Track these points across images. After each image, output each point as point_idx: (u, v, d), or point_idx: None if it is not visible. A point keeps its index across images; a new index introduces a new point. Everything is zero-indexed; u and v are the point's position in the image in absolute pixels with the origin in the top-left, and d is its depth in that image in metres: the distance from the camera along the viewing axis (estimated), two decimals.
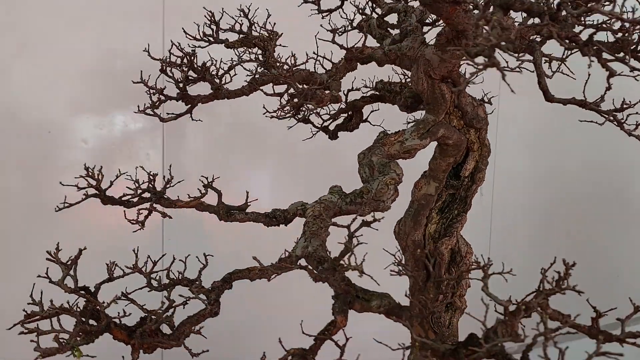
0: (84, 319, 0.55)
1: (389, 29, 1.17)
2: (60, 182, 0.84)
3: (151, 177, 0.87)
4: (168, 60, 0.87)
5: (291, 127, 1.27)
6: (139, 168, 0.90)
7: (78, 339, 0.54)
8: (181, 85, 0.86)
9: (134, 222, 0.82)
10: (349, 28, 1.18)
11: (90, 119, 1.98)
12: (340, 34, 1.17)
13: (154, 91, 0.84)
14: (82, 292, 0.60)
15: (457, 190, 1.08)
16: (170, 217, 0.82)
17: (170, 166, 0.85)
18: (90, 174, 0.88)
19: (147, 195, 0.87)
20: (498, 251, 2.35)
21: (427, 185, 1.08)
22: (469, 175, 1.08)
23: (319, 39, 1.04)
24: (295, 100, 0.90)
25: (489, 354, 0.57)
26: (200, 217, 1.81)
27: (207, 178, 0.83)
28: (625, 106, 0.89)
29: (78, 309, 0.60)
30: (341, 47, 0.98)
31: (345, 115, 1.29)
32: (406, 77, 1.09)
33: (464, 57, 0.93)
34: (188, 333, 0.65)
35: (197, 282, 0.72)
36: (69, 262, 0.60)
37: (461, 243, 1.10)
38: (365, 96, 1.18)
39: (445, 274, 1.07)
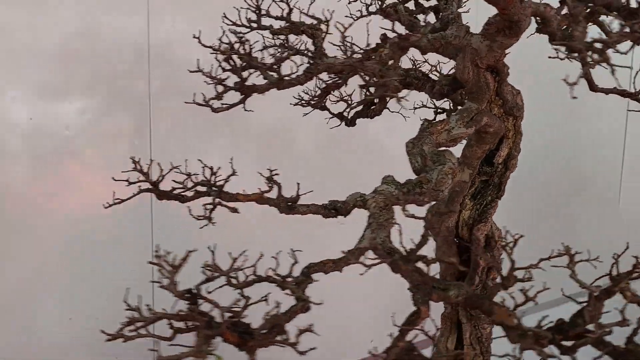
0: (204, 325, 0.53)
1: (416, 15, 1.17)
2: (113, 178, 0.79)
3: (208, 170, 0.83)
4: (224, 48, 0.83)
5: (307, 114, 1.26)
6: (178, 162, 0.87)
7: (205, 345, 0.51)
8: (240, 74, 0.83)
9: (201, 217, 0.78)
10: (374, 11, 1.17)
11: (72, 104, 1.88)
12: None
13: (215, 81, 0.81)
14: (188, 295, 0.58)
15: (490, 176, 1.11)
16: (238, 212, 0.79)
17: (232, 159, 0.82)
18: (139, 167, 0.84)
19: (202, 189, 0.83)
20: None
21: (461, 172, 1.10)
22: (502, 162, 1.10)
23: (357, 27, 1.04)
24: (366, 90, 0.88)
25: (597, 339, 0.59)
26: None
27: (271, 170, 0.81)
28: None
29: (181, 313, 0.58)
30: (399, 35, 0.97)
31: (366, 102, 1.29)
32: (441, 65, 1.10)
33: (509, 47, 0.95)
34: (282, 331, 0.64)
35: (287, 278, 0.70)
36: (175, 265, 0.57)
37: (494, 228, 1.13)
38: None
39: (482, 259, 1.10)
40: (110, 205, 0.80)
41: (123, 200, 0.81)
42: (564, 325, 0.67)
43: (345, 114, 1.32)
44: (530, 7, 0.87)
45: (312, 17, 0.95)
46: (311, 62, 0.83)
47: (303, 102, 1.25)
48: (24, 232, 1.83)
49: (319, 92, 1.05)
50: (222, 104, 0.84)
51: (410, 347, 0.66)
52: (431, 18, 1.21)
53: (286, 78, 0.85)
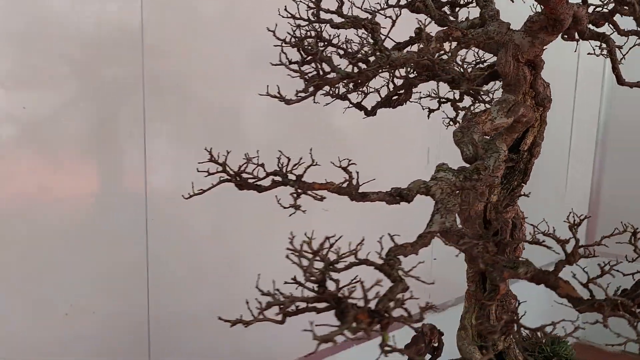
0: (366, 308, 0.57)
1: (445, 9, 1.23)
2: (197, 169, 0.80)
3: (283, 161, 0.86)
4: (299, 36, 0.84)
5: (328, 103, 1.29)
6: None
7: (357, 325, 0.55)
8: (319, 66, 0.85)
9: (291, 206, 0.81)
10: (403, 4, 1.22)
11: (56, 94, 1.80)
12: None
13: (299, 74, 0.82)
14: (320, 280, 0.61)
15: (516, 163, 1.19)
16: (320, 199, 0.82)
17: (311, 150, 0.85)
18: (213, 158, 0.85)
19: (277, 178, 0.86)
20: None
21: None
22: (527, 150, 1.19)
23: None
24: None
25: None
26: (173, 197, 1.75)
27: (349, 160, 0.85)
28: None
29: (316, 296, 0.61)
30: (445, 30, 1.02)
31: (388, 91, 1.33)
32: (477, 57, 1.17)
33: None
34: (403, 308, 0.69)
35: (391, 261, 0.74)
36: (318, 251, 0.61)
37: (518, 211, 1.22)
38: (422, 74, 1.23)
39: (510, 238, 1.19)
40: (191, 196, 0.81)
41: (204, 191, 0.82)
42: (627, 292, 0.76)
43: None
44: (572, 7, 0.95)
45: (366, 10, 0.99)
46: (382, 55, 0.87)
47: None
48: (15, 225, 1.76)
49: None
50: (297, 96, 0.86)
51: None
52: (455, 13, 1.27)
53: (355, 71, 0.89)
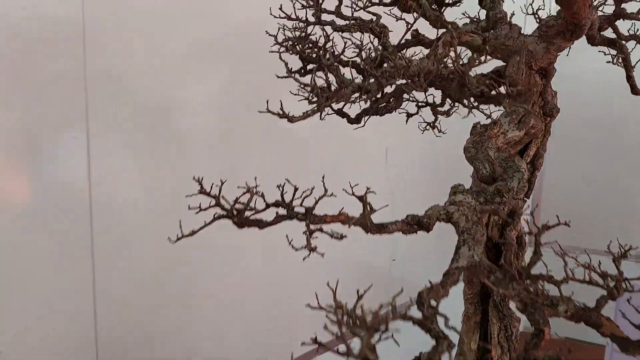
0: None
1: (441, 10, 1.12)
2: (189, 206, 0.65)
3: (283, 189, 0.72)
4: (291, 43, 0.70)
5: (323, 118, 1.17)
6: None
7: None
8: (327, 79, 0.71)
9: (306, 248, 0.67)
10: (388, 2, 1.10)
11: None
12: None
13: (306, 87, 0.68)
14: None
15: None
16: (340, 238, 0.69)
17: (324, 177, 0.71)
18: (204, 190, 0.70)
19: (282, 211, 0.72)
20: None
21: None
22: (530, 162, 1.11)
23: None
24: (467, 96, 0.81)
25: None
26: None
27: (367, 188, 0.72)
28: None
29: None
30: (452, 33, 0.91)
31: (376, 99, 1.22)
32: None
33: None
34: None
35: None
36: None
37: (522, 227, 1.14)
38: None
39: (515, 260, 1.10)
40: (179, 239, 0.66)
41: (195, 232, 0.66)
42: None
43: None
44: (594, 11, 0.87)
45: (371, 12, 0.86)
46: (399, 63, 0.74)
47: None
48: None
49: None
50: (304, 112, 0.72)
51: None
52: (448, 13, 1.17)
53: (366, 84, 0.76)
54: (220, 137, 1.69)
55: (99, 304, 1.59)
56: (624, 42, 1.00)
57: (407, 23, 1.00)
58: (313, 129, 1.86)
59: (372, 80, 0.78)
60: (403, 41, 1.05)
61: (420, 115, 1.44)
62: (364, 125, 1.12)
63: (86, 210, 1.49)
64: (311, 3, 0.84)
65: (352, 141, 2.11)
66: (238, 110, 1.70)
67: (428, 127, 1.46)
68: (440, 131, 1.37)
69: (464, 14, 1.06)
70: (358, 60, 0.79)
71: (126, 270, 1.57)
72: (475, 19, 1.01)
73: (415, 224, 0.80)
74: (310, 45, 0.77)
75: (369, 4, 1.14)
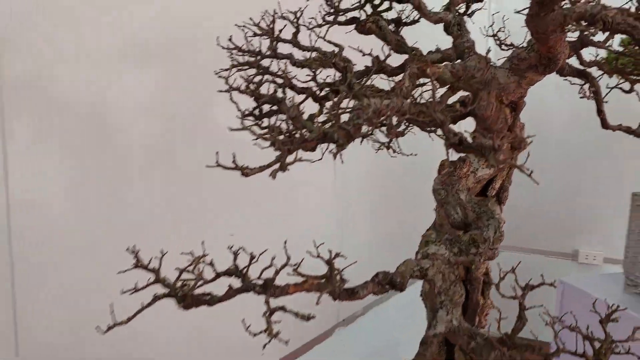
0: None
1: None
2: (122, 290, 0.53)
3: (238, 255, 0.61)
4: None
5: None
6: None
7: None
8: (290, 126, 0.61)
9: (267, 334, 0.56)
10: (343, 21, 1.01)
11: None
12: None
13: (264, 136, 0.56)
14: None
15: None
16: (307, 319, 0.58)
17: (286, 242, 0.61)
18: (141, 264, 0.58)
19: (236, 282, 0.61)
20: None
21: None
22: (495, 195, 1.05)
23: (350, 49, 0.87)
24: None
25: None
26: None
27: (330, 252, 0.62)
28: None
29: None
30: (419, 65, 0.82)
31: None
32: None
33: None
34: None
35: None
36: None
37: (489, 265, 1.09)
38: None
39: (482, 298, 1.04)
40: (109, 329, 0.54)
41: (130, 319, 0.54)
42: None
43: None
44: (567, 45, 0.82)
45: (332, 43, 0.76)
46: (364, 104, 0.65)
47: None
48: None
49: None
50: (260, 166, 0.61)
51: None
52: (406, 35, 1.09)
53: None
54: (154, 140, 1.52)
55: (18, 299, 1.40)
56: (588, 69, 0.96)
57: (365, 53, 0.92)
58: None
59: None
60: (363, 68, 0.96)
61: (374, 134, 1.36)
62: (321, 159, 1.03)
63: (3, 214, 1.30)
64: (266, 29, 0.74)
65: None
66: (173, 113, 1.55)
67: (382, 147, 1.39)
68: (395, 151, 1.31)
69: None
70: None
71: (45, 279, 1.39)
72: (440, 49, 0.94)
73: (387, 284, 0.72)
74: (266, 82, 0.67)
75: (324, 23, 1.05)
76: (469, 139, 0.69)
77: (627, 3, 0.80)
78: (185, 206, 1.56)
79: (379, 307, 2.43)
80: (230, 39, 0.70)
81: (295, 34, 0.78)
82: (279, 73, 0.91)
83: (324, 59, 0.75)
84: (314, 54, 0.76)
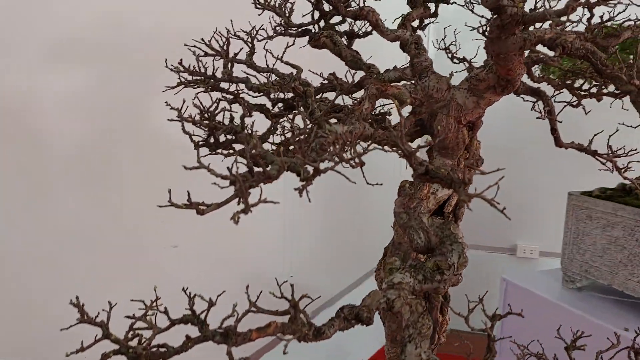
0: None
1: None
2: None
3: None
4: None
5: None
6: None
7: None
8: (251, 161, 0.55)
9: None
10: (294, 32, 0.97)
11: None
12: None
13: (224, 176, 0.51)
14: None
15: None
16: None
17: (248, 287, 0.56)
18: (87, 318, 0.51)
19: (193, 331, 0.56)
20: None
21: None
22: (451, 211, 1.05)
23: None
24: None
25: None
26: None
27: (286, 281, 0.58)
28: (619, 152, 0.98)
29: None
30: (379, 85, 0.79)
31: None
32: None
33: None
34: None
35: None
36: None
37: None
38: None
39: (440, 315, 1.04)
40: None
41: None
42: None
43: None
44: (524, 67, 0.82)
45: (288, 64, 0.72)
46: (324, 132, 0.62)
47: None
48: None
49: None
50: (217, 203, 0.56)
51: None
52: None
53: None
54: (86, 141, 1.39)
55: None
56: (539, 86, 0.97)
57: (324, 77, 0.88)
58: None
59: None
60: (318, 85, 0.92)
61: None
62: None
63: None
64: (218, 50, 0.68)
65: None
66: (104, 113, 1.43)
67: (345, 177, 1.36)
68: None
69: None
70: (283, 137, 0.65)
71: None
72: (397, 67, 0.92)
73: (353, 319, 0.69)
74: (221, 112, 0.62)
75: (274, 34, 1.01)
76: (430, 164, 0.67)
77: (575, 23, 0.81)
78: (121, 214, 1.45)
79: (324, 312, 2.42)
80: (180, 62, 0.64)
81: (251, 54, 0.73)
82: (231, 90, 0.86)
83: (283, 83, 0.70)
84: (272, 77, 0.71)
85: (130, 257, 1.45)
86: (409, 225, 0.81)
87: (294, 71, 0.76)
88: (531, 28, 0.73)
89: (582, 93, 0.99)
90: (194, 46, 0.69)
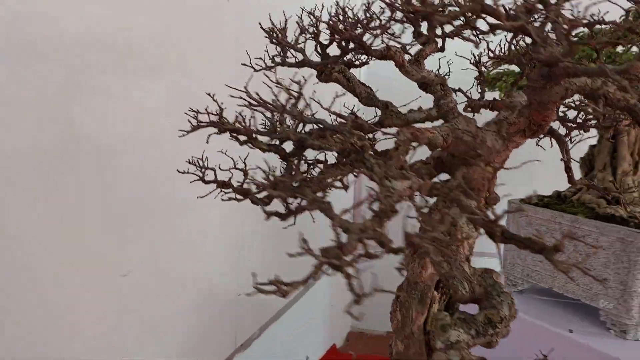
0: None
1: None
2: None
3: None
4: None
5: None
6: None
7: None
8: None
9: None
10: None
11: None
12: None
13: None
14: None
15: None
16: None
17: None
18: None
19: None
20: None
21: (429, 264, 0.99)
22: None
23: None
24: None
25: None
26: None
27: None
28: None
29: None
30: (412, 130, 0.76)
31: None
32: None
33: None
34: None
35: None
36: None
37: None
38: None
39: None
40: None
41: None
42: None
43: None
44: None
45: (336, 114, 0.66)
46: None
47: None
48: None
49: None
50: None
51: None
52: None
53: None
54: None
55: None
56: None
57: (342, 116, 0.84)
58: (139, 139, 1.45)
59: None
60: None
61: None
62: None
63: None
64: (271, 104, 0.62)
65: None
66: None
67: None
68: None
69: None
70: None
71: None
72: (422, 108, 0.90)
73: None
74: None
75: (273, 65, 0.95)
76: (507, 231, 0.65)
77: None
78: (64, 235, 1.27)
79: (273, 325, 2.37)
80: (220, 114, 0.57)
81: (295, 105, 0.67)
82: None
83: (345, 140, 0.65)
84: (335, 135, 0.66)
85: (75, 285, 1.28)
86: (451, 275, 0.79)
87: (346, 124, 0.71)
88: None
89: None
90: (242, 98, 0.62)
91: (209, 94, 0.76)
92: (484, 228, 0.61)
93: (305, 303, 2.60)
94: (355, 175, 0.67)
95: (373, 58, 0.94)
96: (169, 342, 1.64)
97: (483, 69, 1.03)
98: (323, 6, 0.96)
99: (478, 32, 0.73)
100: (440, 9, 0.59)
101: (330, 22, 0.82)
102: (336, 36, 0.81)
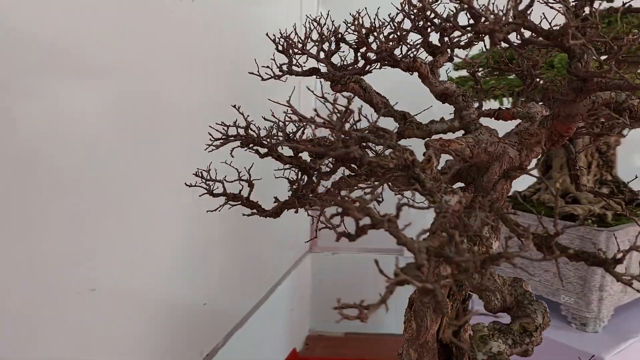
0: None
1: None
2: None
3: None
4: None
5: None
6: None
7: None
8: None
9: None
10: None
11: None
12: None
13: None
14: None
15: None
16: None
17: None
18: None
19: None
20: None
21: (445, 271, 1.00)
22: None
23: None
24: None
25: None
26: None
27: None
28: None
29: None
30: (442, 141, 0.76)
31: None
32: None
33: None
34: None
35: None
36: None
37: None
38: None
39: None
40: None
41: None
42: None
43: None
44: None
45: (380, 129, 0.64)
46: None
47: None
48: None
49: None
50: None
51: None
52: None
53: None
54: None
55: None
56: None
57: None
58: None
59: None
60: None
61: None
62: None
63: None
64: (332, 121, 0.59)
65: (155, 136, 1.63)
66: None
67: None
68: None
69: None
70: None
71: None
72: (444, 119, 0.90)
73: None
74: None
75: (281, 74, 0.93)
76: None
77: None
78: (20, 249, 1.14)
79: (237, 334, 2.33)
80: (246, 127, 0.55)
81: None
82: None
83: (399, 156, 0.64)
84: (387, 151, 0.65)
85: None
86: (484, 288, 0.80)
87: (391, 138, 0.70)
88: None
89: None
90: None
91: (233, 106, 0.73)
92: (537, 241, 0.62)
93: (267, 308, 2.56)
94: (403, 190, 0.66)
95: (386, 67, 0.94)
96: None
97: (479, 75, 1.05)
98: (329, 14, 0.95)
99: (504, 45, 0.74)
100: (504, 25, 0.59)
101: (357, 33, 0.80)
102: (364, 49, 0.80)
